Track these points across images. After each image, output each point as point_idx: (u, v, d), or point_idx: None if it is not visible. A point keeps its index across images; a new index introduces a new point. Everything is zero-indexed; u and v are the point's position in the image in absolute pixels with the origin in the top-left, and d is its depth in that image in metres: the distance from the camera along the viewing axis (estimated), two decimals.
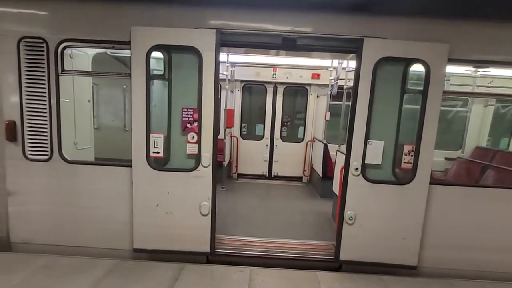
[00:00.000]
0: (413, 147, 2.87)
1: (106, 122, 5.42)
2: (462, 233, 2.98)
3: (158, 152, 2.90)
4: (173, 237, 2.99)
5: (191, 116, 2.89)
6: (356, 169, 2.87)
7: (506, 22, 2.74)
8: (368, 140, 2.85)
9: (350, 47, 2.83)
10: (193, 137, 2.89)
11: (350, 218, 2.92)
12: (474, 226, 2.97)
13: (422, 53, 2.72)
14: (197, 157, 2.90)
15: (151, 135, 2.87)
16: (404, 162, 2.91)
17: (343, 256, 3.00)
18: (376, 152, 2.88)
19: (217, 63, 2.77)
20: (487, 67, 3.45)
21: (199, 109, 2.84)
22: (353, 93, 2.83)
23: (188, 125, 2.90)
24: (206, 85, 2.80)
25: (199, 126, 2.86)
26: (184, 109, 2.89)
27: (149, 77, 2.80)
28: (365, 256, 2.99)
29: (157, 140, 2.89)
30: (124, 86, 5.30)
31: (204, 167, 2.89)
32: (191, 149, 2.91)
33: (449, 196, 2.95)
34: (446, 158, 5.90)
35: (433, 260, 3.02)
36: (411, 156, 2.88)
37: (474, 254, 3.01)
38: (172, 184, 2.92)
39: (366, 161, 2.88)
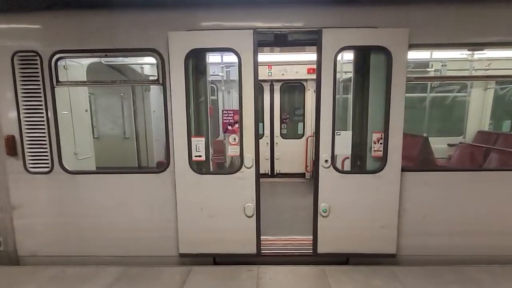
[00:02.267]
0: (381, 135, 2.85)
1: (106, 131, 5.43)
2: (439, 218, 2.95)
3: (200, 156, 2.90)
4: (218, 240, 2.99)
5: (231, 118, 2.90)
6: (326, 161, 2.85)
7: (465, 3, 2.69)
8: (336, 131, 2.84)
9: (309, 39, 2.82)
10: (235, 139, 2.90)
11: (324, 210, 2.91)
12: (451, 211, 2.94)
13: (382, 40, 2.70)
14: (240, 159, 2.91)
15: (192, 139, 2.88)
16: (374, 150, 2.90)
17: (321, 249, 2.99)
18: (345, 143, 2.87)
19: (255, 63, 2.76)
20: (450, 50, 3.41)
21: (240, 111, 2.84)
22: (316, 85, 2.82)
23: (229, 127, 2.91)
24: (245, 86, 2.79)
25: (240, 127, 2.86)
26: (224, 112, 2.90)
27: (188, 82, 2.80)
28: (343, 247, 2.98)
29: (199, 143, 2.90)
30: (122, 94, 5.31)
31: (247, 168, 2.88)
32: (233, 151, 2.92)
33: (423, 182, 2.91)
34: (448, 145, 5.87)
35: (412, 247, 3.00)
36: (381, 144, 2.86)
37: (452, 239, 2.98)
38: (215, 187, 2.92)
39: (336, 152, 2.86)
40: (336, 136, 2.84)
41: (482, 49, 3.00)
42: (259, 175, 2.93)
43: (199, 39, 2.74)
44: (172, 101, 2.81)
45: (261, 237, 3.02)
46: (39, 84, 2.86)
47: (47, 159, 2.96)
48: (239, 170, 2.90)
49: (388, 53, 2.71)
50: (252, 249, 3.00)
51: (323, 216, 2.93)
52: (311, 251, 3.04)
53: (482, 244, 2.99)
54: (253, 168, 2.89)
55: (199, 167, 3.00)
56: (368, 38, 2.71)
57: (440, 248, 3.00)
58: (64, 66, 3.15)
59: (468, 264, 2.97)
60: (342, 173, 2.90)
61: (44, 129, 2.92)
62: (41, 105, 2.89)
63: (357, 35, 2.70)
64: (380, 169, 2.86)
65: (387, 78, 2.75)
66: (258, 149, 2.90)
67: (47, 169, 2.98)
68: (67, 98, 3.24)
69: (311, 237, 3.04)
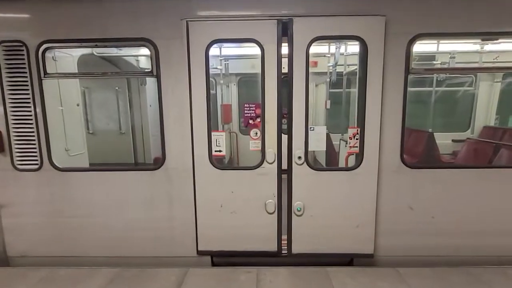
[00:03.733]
0: (357, 130, 2.73)
1: (101, 126, 5.28)
2: (418, 218, 2.83)
3: (220, 151, 2.80)
4: (238, 238, 2.89)
5: (253, 112, 2.80)
6: (299, 157, 2.73)
7: None
8: (309, 127, 2.71)
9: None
10: (256, 133, 2.79)
11: (298, 209, 2.80)
12: (431, 211, 2.82)
13: (357, 29, 2.54)
14: (262, 154, 2.79)
15: (212, 133, 2.76)
16: (350, 146, 2.78)
17: (296, 249, 2.89)
18: (319, 138, 2.75)
19: (279, 56, 2.62)
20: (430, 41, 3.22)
21: (262, 104, 2.71)
22: (289, 79, 2.67)
23: (251, 121, 2.82)
24: (268, 79, 2.65)
25: (262, 121, 2.73)
26: (246, 105, 2.79)
27: (208, 74, 2.65)
28: (319, 247, 2.88)
29: (219, 138, 2.79)
30: (117, 88, 5.14)
31: (269, 163, 2.77)
32: (254, 145, 2.81)
33: (431, 180, 2.78)
34: (453, 140, 5.73)
35: (389, 247, 2.89)
36: (357, 139, 2.74)
37: (430, 239, 2.87)
38: (236, 182, 2.81)
39: (310, 149, 2.75)
40: (309, 132, 2.72)
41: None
42: (281, 171, 2.81)
43: (221, 29, 2.59)
44: (192, 95, 2.67)
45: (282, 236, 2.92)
46: (26, 76, 2.70)
47: (36, 156, 2.82)
48: (260, 165, 2.79)
49: (364, 44, 2.56)
50: (273, 247, 2.90)
51: (297, 215, 2.82)
52: (286, 251, 2.93)
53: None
54: (275, 164, 2.78)
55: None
56: (341, 27, 2.55)
57: (419, 249, 2.89)
58: (53, 57, 2.98)
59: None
60: (316, 170, 2.78)
61: (32, 124, 2.77)
62: (28, 98, 2.73)
63: (330, 24, 2.54)
64: (357, 165, 2.74)
65: (363, 70, 2.61)
66: (280, 144, 2.77)
67: (36, 166, 2.83)
68: (56, 91, 3.08)
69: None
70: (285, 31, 2.62)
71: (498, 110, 5.64)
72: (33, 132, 2.78)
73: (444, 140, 5.55)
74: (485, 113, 5.54)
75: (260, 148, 2.80)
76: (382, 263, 2.92)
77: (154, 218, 2.91)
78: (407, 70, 2.64)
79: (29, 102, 2.73)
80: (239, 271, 2.77)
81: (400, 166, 2.76)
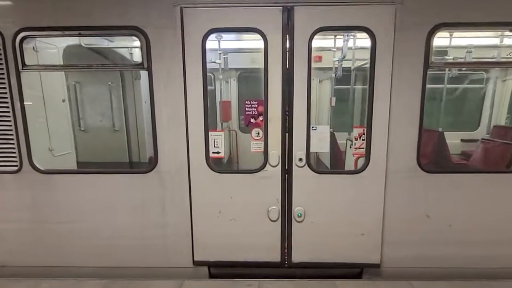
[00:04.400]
0: (364, 130, 2.52)
1: (94, 123, 5.02)
2: (433, 226, 2.62)
3: (218, 152, 2.58)
4: (238, 247, 2.69)
5: (255, 109, 2.56)
6: (300, 159, 2.52)
7: None
8: (311, 126, 2.50)
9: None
10: (258, 133, 2.56)
11: (299, 214, 2.61)
12: (449, 218, 2.62)
13: (364, 19, 2.31)
14: (264, 156, 2.57)
15: (209, 133, 2.52)
16: (355, 148, 2.60)
17: (296, 257, 2.69)
18: (322, 138, 2.55)
19: (284, 48, 2.39)
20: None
21: (265, 101, 2.46)
22: (290, 73, 2.45)
23: (252, 120, 2.58)
24: (272, 73, 2.42)
25: (265, 120, 2.50)
26: (247, 102, 2.56)
27: (206, 67, 2.41)
28: (320, 256, 2.68)
29: (217, 138, 2.56)
30: (110, 83, 4.86)
31: (272, 166, 2.56)
32: (256, 146, 2.59)
33: (418, 185, 2.57)
34: (462, 140, 5.48)
35: (398, 257, 2.69)
36: (363, 140, 2.54)
37: (445, 249, 2.66)
38: (236, 187, 2.59)
39: (312, 150, 2.54)
40: (311, 131, 2.51)
41: None
42: (285, 175, 2.59)
43: (219, 17, 2.35)
44: (187, 91, 2.44)
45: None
46: (2, 68, 2.45)
47: (15, 156, 2.56)
48: (263, 168, 2.56)
49: (372, 36, 2.33)
50: (276, 257, 2.69)
51: (298, 221, 2.62)
52: (286, 261, 2.73)
53: (478, 254, 2.67)
54: (279, 167, 2.55)
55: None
56: (347, 17, 2.32)
57: (429, 260, 2.69)
58: (33, 47, 2.70)
59: (492, 279, 2.63)
60: (319, 173, 2.57)
61: (9, 121, 2.51)
62: (5, 93, 2.47)
63: (336, 13, 2.32)
64: (362, 169, 2.52)
65: (370, 65, 2.39)
66: (285, 145, 2.54)
67: (15, 168, 2.58)
68: (38, 85, 2.80)
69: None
70: (287, 21, 2.37)
71: (509, 109, 5.39)
72: (10, 130, 2.53)
73: (451, 140, 5.30)
74: (497, 112, 5.29)
75: (262, 150, 2.56)
76: (389, 274, 2.71)
77: (145, 225, 2.68)
78: (427, 65, 2.38)
79: (5, 97, 2.48)
80: (238, 284, 2.55)
81: (416, 170, 2.52)
